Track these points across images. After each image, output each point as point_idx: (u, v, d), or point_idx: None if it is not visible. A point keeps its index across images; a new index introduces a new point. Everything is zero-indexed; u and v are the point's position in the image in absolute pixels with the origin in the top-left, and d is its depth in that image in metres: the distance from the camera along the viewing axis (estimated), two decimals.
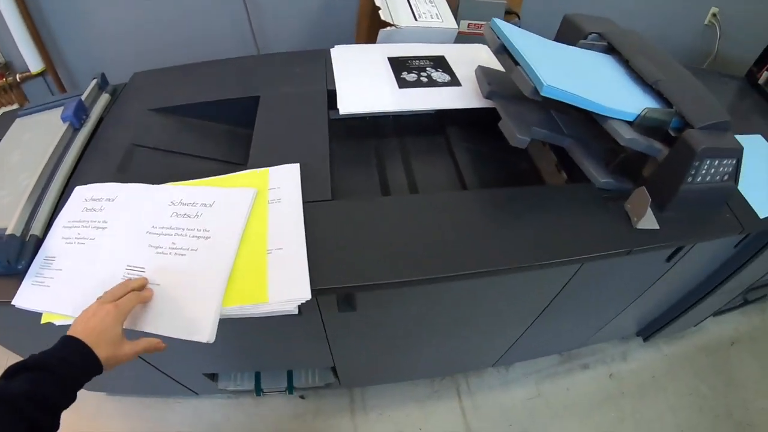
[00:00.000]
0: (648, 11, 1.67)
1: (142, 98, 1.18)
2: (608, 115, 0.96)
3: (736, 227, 1.09)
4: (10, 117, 1.14)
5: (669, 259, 1.20)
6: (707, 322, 1.77)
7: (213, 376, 1.33)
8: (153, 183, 0.92)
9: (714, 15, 1.71)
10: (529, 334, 1.34)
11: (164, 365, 1.21)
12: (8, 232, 0.84)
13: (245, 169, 0.96)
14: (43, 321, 0.78)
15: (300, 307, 0.80)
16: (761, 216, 1.14)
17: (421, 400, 1.48)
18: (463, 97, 1.13)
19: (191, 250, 0.81)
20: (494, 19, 1.05)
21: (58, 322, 0.78)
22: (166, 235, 0.83)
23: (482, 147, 1.11)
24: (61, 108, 1.08)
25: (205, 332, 0.72)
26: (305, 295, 0.76)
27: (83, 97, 1.12)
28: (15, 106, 1.33)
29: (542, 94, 0.89)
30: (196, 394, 1.37)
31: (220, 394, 1.35)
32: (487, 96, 1.07)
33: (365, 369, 1.38)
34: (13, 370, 0.58)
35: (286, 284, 0.77)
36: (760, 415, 1.68)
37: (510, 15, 1.58)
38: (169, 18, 1.36)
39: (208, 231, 0.83)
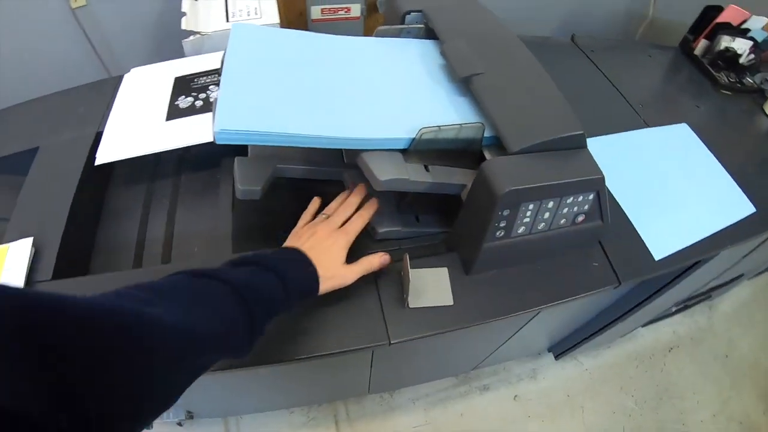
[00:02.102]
0: None
1: None
2: (357, 147, 0.47)
3: (608, 280, 0.57)
4: None
5: None
6: (640, 329, 1.20)
7: None
8: None
9: None
10: (383, 374, 0.89)
11: None
12: None
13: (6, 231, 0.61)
14: None
15: None
16: (657, 257, 0.61)
17: (297, 427, 1.07)
18: None
19: None
20: (235, 23, 0.56)
21: None
22: None
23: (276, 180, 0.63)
24: None
25: None
26: None
27: None
28: None
29: (216, 142, 0.42)
30: None
31: None
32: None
33: (219, 403, 0.99)
34: (237, 261, 0.43)
35: None
36: (700, 428, 1.13)
37: None
38: (10, 51, 0.96)
39: None
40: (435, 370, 1.06)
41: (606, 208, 0.52)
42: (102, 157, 0.65)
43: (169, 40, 1.01)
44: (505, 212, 0.45)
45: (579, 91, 0.82)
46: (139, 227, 0.66)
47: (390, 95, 0.52)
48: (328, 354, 0.48)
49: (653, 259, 0.60)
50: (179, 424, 1.09)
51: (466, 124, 0.47)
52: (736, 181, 0.72)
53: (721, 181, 0.72)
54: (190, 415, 0.99)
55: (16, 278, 0.56)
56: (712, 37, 0.88)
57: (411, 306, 0.50)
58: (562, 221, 0.51)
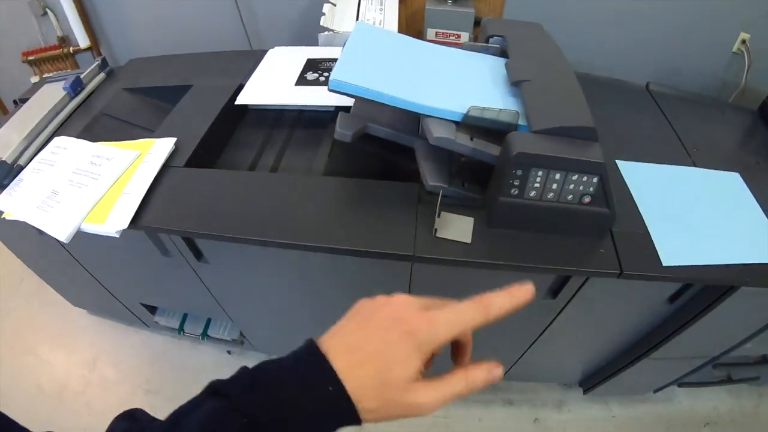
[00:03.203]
0: (666, 36, 1.26)
1: (125, 79, 1.24)
2: (424, 112, 0.73)
3: (610, 266, 0.75)
4: (44, 81, 1.29)
5: (554, 294, 0.88)
6: (679, 393, 1.26)
7: (152, 309, 1.34)
8: (101, 141, 1.00)
9: (743, 42, 1.21)
10: None
11: (112, 287, 1.27)
12: (2, 159, 0.99)
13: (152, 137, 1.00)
14: (1, 217, 0.94)
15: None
16: (665, 263, 0.77)
17: None
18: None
19: (85, 185, 0.92)
20: (359, 22, 0.88)
21: (8, 218, 0.92)
22: (78, 174, 0.95)
23: (363, 144, 0.92)
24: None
25: (63, 235, 0.84)
26: (123, 226, 0.83)
27: (82, 75, 1.23)
28: (69, 71, 1.52)
29: (329, 88, 0.71)
30: (147, 326, 1.40)
31: (168, 331, 1.36)
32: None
33: (267, 335, 1.27)
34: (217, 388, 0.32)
35: (118, 216, 0.85)
36: None
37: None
38: (181, 13, 1.42)
39: (99, 175, 0.93)
40: None
41: (611, 195, 0.71)
42: (242, 98, 1.01)
43: (305, 30, 1.40)
44: (518, 172, 0.68)
45: (633, 124, 1.02)
46: (255, 153, 0.99)
47: (457, 85, 0.79)
48: (357, 250, 0.73)
49: (660, 264, 0.77)
50: (228, 352, 1.39)
51: (504, 110, 0.72)
52: None
53: (757, 221, 0.84)
54: (241, 339, 1.28)
55: (157, 161, 0.92)
56: None
57: (438, 235, 0.74)
58: (570, 197, 0.71)
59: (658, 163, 0.92)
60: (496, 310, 0.33)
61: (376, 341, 0.32)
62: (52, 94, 1.21)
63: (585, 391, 1.25)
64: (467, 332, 0.35)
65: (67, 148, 1.02)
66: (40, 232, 1.02)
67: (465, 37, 1.26)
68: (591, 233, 0.77)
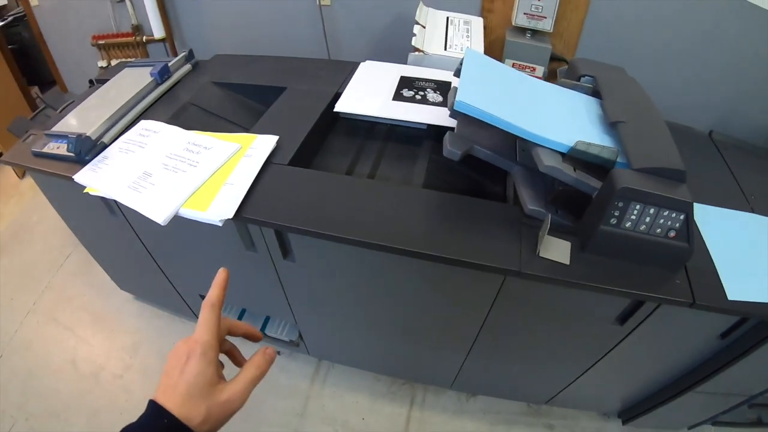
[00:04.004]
0: (730, 86, 1.45)
1: (211, 73, 1.39)
2: (535, 141, 0.89)
3: (684, 296, 0.90)
4: (123, 65, 1.43)
5: (622, 321, 1.03)
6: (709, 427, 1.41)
7: None
8: (188, 129, 1.13)
9: None
10: (477, 360, 1.23)
11: (172, 274, 1.40)
12: (87, 134, 1.12)
13: (248, 132, 1.13)
14: (85, 191, 1.04)
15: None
16: (730, 297, 0.93)
17: (376, 394, 1.42)
18: (442, 116, 1.12)
19: (182, 171, 1.03)
20: (468, 48, 1.04)
21: (92, 193, 1.04)
22: (173, 159, 1.06)
23: (455, 163, 1.07)
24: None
25: (161, 217, 0.94)
26: (228, 215, 0.93)
27: (170, 64, 1.37)
28: (151, 59, 1.64)
29: (453, 108, 0.87)
30: (196, 317, 1.50)
31: None
32: (451, 115, 1.04)
33: (325, 340, 1.39)
34: None
35: (221, 205, 0.95)
36: None
37: (558, 62, 1.50)
38: (263, 17, 1.58)
39: (198, 162, 1.05)
40: (515, 386, 1.37)
41: (692, 233, 0.87)
42: (341, 106, 1.16)
43: (384, 45, 1.57)
44: (620, 203, 0.83)
45: (696, 168, 1.15)
46: (351, 160, 1.13)
47: (561, 118, 0.95)
48: (462, 261, 0.88)
49: (726, 297, 0.92)
50: (278, 352, 1.51)
51: (607, 147, 0.88)
52: None
53: None
54: (298, 341, 1.40)
55: (260, 156, 1.05)
56: None
57: (540, 255, 0.89)
58: (658, 230, 0.87)
59: (719, 206, 1.09)
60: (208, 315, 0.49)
61: (178, 369, 0.45)
62: (135, 79, 1.35)
63: (624, 422, 1.40)
64: (221, 335, 0.50)
65: (158, 132, 1.15)
66: (111, 212, 1.14)
67: (540, 71, 1.44)
68: (669, 265, 0.92)
